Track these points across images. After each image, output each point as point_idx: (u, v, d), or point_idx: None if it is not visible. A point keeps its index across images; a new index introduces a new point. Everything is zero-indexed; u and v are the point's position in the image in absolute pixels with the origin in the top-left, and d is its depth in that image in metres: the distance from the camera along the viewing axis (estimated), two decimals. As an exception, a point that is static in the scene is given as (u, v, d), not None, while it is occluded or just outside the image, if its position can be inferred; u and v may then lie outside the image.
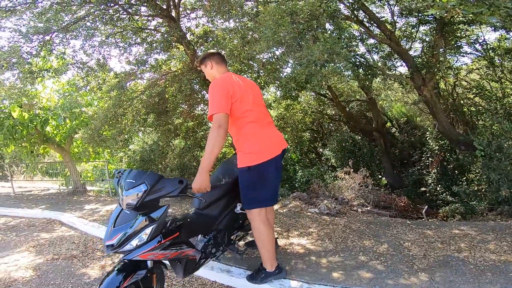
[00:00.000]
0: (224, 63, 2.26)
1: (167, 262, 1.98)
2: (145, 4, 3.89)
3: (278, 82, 4.49)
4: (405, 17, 5.98)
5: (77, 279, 2.70)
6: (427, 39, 6.23)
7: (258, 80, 5.14)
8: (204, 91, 5.31)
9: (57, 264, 3.10)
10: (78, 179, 7.25)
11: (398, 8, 5.78)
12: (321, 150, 9.84)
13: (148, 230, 1.67)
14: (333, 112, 9.98)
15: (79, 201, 6.41)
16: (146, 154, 6.39)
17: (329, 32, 3.69)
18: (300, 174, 6.58)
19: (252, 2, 4.01)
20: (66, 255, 3.33)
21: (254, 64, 4.16)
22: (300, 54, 2.75)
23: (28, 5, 3.44)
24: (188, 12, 4.83)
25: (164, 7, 4.18)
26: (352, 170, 6.08)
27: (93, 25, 3.92)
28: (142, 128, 6.05)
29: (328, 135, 10.11)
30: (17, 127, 6.35)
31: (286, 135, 7.87)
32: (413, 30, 6.21)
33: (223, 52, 3.57)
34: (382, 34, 5.52)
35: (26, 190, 8.79)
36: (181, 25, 4.37)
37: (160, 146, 6.19)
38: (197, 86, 5.09)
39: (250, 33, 3.36)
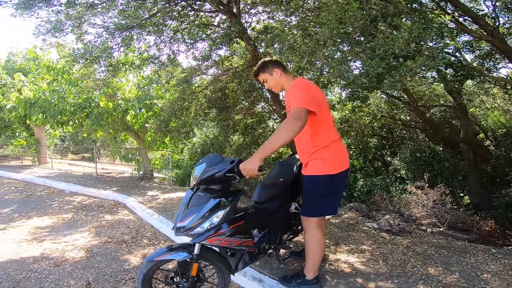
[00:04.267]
0: (288, 71, 2.17)
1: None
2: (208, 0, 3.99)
3: (343, 82, 4.10)
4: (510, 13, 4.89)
5: (118, 265, 2.88)
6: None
7: (321, 79, 4.82)
8: (265, 88, 5.22)
9: (108, 247, 3.37)
10: (148, 165, 7.99)
11: (501, 2, 4.76)
12: (389, 159, 8.88)
13: (220, 213, 1.70)
14: (408, 118, 8.90)
15: (144, 187, 7.03)
16: (206, 147, 6.66)
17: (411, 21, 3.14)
18: (361, 183, 6.00)
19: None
20: (118, 239, 3.61)
21: (317, 61, 3.85)
22: (374, 43, 2.36)
23: (109, 2, 3.87)
24: (248, 7, 4.80)
25: (225, 2, 4.22)
26: (427, 185, 5.27)
27: (162, 21, 4.20)
28: (203, 122, 6.30)
29: (400, 143, 9.07)
30: (104, 115, 7.31)
31: (349, 140, 7.29)
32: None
33: (284, 48, 3.37)
34: (480, 30, 4.60)
35: (106, 172, 10.09)
36: (242, 21, 4.36)
37: (219, 140, 6.36)
38: (257, 83, 5.03)
39: (312, 24, 3.08)
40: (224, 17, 4.67)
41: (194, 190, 1.82)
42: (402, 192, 5.94)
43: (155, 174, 8.47)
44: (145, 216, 4.47)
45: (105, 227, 4.15)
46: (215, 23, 4.93)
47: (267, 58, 2.21)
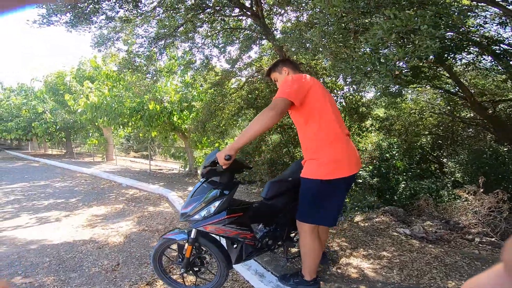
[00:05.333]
0: (300, 70, 2.07)
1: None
2: (230, 2, 4.12)
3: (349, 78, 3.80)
4: None
5: (146, 250, 3.24)
6: None
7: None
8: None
9: (143, 235, 3.78)
10: (193, 163, 8.55)
11: None
12: (444, 160, 8.00)
13: (216, 203, 1.83)
14: (471, 115, 7.88)
15: (187, 183, 7.56)
16: (244, 146, 6.86)
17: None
18: (402, 185, 5.56)
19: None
20: (153, 228, 4.02)
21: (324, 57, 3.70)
22: (364, 36, 2.09)
23: (140, 17, 4.31)
24: (268, 7, 4.80)
25: (248, 5, 4.32)
26: (481, 190, 4.70)
27: (192, 28, 4.50)
28: (235, 122, 6.51)
29: (461, 142, 8.09)
30: (153, 117, 8.06)
31: (394, 139, 6.77)
32: None
33: (293, 48, 3.28)
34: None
35: (159, 169, 11.07)
36: (266, 22, 4.41)
37: (256, 140, 6.50)
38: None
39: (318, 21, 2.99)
40: (249, 20, 4.80)
41: (202, 181, 1.95)
42: (456, 197, 5.36)
43: (198, 172, 9.03)
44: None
45: (146, 217, 4.63)
46: (242, 27, 5.09)
47: (282, 58, 2.26)
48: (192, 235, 1.91)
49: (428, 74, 4.88)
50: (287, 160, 6.39)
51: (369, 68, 2.00)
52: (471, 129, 8.17)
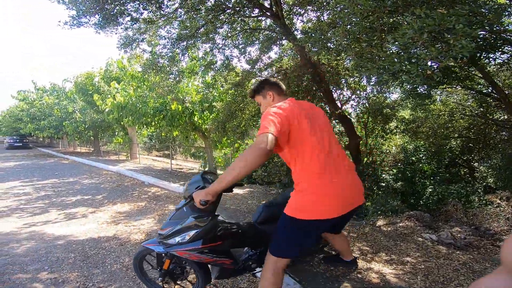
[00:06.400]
0: (284, 94, 1.85)
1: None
2: (249, 3, 4.12)
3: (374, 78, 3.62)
4: None
5: None
6: None
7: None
8: (315, 88, 5.13)
9: None
10: (212, 162, 8.65)
11: None
12: (476, 164, 7.56)
13: (191, 233, 1.75)
14: (505, 117, 7.41)
15: (207, 181, 7.62)
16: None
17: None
18: (429, 190, 5.32)
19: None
20: None
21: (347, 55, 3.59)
22: (392, 36, 1.99)
23: (163, 18, 4.42)
24: (287, 8, 4.73)
25: (267, 5, 4.30)
26: (516, 195, 4.43)
27: (213, 29, 4.54)
28: (259, 121, 6.52)
29: (494, 146, 7.61)
30: (175, 117, 8.25)
31: (421, 142, 6.49)
32: None
33: (316, 48, 3.15)
34: None
35: (179, 168, 11.28)
36: (286, 22, 4.36)
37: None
38: (305, 84, 4.96)
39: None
40: (268, 20, 4.78)
41: (184, 202, 1.82)
42: (488, 203, 5.07)
43: (218, 171, 9.13)
44: (200, 208, 4.90)
45: (166, 215, 4.69)
46: (262, 27, 5.08)
47: (268, 78, 1.90)
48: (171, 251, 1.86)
49: (459, 74, 4.64)
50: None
51: (397, 68, 1.90)
52: (504, 132, 7.67)
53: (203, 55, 5.59)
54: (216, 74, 5.87)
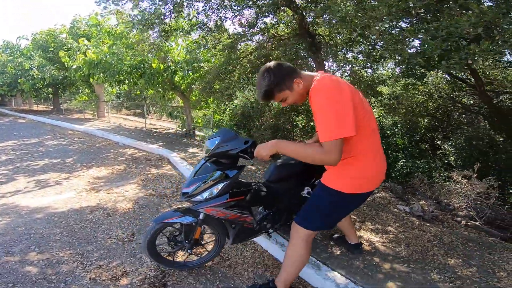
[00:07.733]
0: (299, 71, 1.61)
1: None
2: None
3: (399, 57, 3.78)
4: None
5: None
6: None
7: (373, 53, 4.53)
8: (310, 58, 5.08)
9: (152, 200, 3.66)
10: (191, 123, 8.49)
11: None
12: (439, 142, 8.25)
13: (220, 186, 1.76)
14: (471, 102, 8.03)
15: (186, 144, 7.50)
16: (246, 110, 6.81)
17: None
18: (401, 163, 5.76)
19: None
20: (160, 192, 3.89)
21: (370, 34, 3.60)
22: (436, 25, 2.15)
23: None
24: None
25: None
26: (475, 175, 4.93)
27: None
28: (246, 86, 6.43)
29: (456, 127, 8.31)
30: (155, 75, 7.79)
31: (397, 117, 6.89)
32: None
33: (334, 20, 3.08)
34: None
35: (154, 127, 10.90)
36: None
37: (260, 104, 6.44)
38: (302, 52, 4.89)
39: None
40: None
41: (205, 160, 1.85)
42: (446, 179, 5.61)
43: (196, 132, 9.01)
44: (185, 172, 4.80)
45: (150, 180, 4.48)
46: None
47: (272, 67, 1.54)
48: (202, 217, 1.87)
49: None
50: (290, 127, 6.41)
51: (437, 54, 1.96)
52: (467, 116, 8.36)
53: (196, 15, 5.19)
54: (206, 35, 5.53)
